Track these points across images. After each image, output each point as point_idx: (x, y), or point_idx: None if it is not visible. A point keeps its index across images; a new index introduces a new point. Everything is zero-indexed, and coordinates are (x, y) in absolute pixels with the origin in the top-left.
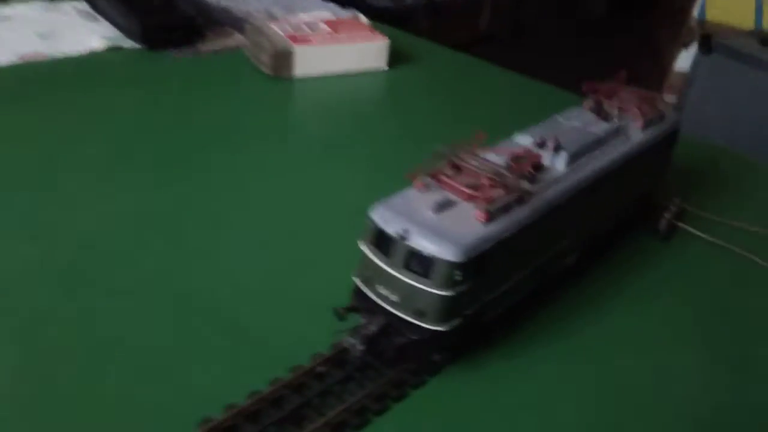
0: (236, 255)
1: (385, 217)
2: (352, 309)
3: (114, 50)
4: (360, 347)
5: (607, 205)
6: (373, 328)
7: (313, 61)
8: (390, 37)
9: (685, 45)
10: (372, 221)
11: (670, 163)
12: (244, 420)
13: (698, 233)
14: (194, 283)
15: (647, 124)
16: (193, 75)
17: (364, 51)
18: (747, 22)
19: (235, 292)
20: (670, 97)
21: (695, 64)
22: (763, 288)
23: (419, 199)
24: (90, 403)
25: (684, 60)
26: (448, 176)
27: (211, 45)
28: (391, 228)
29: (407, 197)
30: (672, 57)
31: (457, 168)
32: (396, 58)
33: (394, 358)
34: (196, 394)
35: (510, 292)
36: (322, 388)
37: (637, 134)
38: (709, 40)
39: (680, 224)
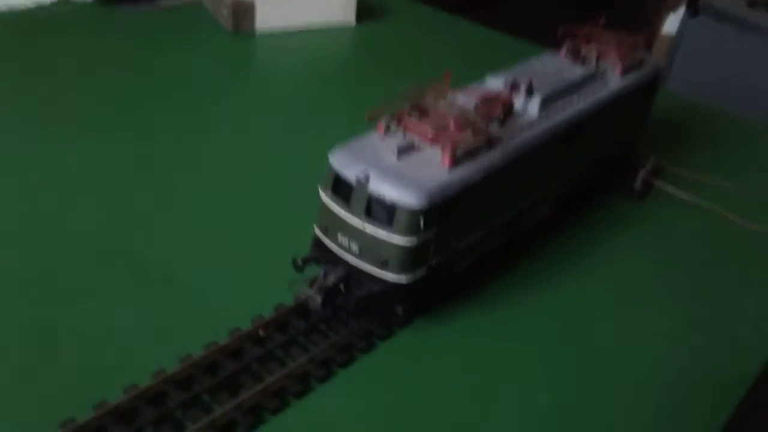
0: (191, 213)
1: (344, 162)
2: (311, 259)
3: (62, 3)
4: (318, 299)
5: (583, 154)
6: (332, 279)
7: (276, 14)
8: None
9: (673, 8)
10: (331, 166)
11: (650, 111)
12: (202, 372)
13: (673, 191)
14: (143, 243)
15: (626, 70)
16: (147, 31)
17: (331, 3)
18: None
19: (191, 250)
20: (658, 60)
21: (682, 26)
22: (734, 246)
23: (381, 143)
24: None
25: (671, 23)
26: (412, 119)
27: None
28: (351, 173)
29: (368, 141)
30: (660, 20)
31: (423, 110)
32: (366, 12)
33: (354, 310)
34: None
35: (479, 242)
36: (285, 340)
37: (615, 80)
38: (696, 2)
39: (656, 182)
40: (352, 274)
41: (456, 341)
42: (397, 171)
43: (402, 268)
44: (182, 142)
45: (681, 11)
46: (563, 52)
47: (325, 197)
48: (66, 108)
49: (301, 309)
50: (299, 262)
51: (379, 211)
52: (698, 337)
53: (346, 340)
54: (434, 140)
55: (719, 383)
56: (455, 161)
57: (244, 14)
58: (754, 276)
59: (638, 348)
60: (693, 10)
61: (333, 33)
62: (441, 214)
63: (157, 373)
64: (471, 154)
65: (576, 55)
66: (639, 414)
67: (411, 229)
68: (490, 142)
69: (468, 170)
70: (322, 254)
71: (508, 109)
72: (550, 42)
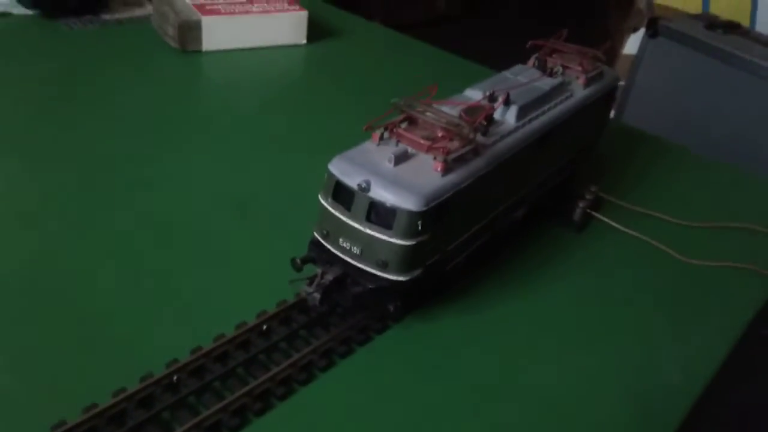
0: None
1: (344, 170)
2: (308, 260)
3: (3, 15)
4: (316, 296)
5: (552, 160)
6: (329, 277)
7: (223, 33)
8: (312, 10)
9: (635, 28)
10: (331, 174)
11: (607, 120)
12: (212, 362)
13: (612, 224)
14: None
15: (589, 81)
16: (90, 47)
17: (280, 23)
18: (694, 5)
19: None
20: (615, 71)
21: (642, 47)
22: (669, 282)
23: (376, 151)
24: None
25: (633, 44)
26: (404, 128)
27: (116, 15)
28: (352, 180)
29: (365, 150)
30: (621, 40)
31: (412, 120)
32: (317, 31)
33: (350, 307)
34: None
35: (465, 243)
36: (288, 332)
37: (579, 90)
38: (656, 23)
39: (595, 214)
40: (349, 273)
41: (442, 336)
42: (396, 177)
43: (401, 269)
44: (128, 161)
45: (641, 32)
46: (531, 63)
47: (325, 203)
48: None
49: (302, 305)
50: (298, 262)
51: (379, 215)
52: (628, 378)
53: (345, 333)
54: (429, 149)
55: (648, 426)
56: (447, 167)
57: (190, 33)
58: (685, 313)
59: (565, 389)
60: (653, 31)
61: (283, 52)
62: (436, 216)
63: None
64: (460, 160)
65: (543, 67)
66: None
67: (410, 232)
68: (476, 150)
69: (458, 175)
70: (319, 255)
71: (490, 118)
72: (502, 60)
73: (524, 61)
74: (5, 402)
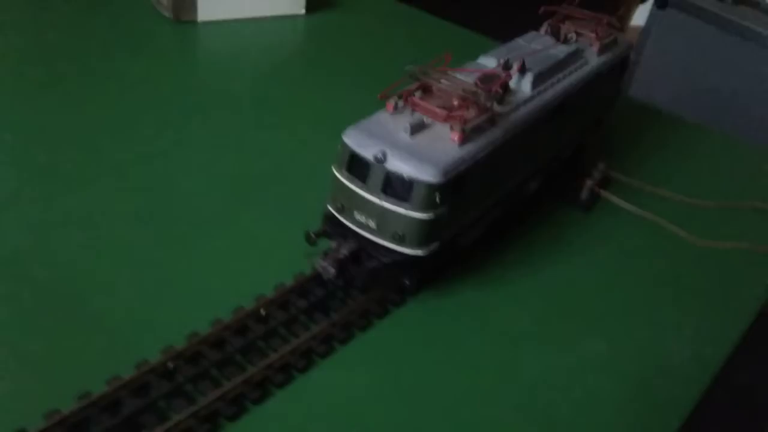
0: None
1: (359, 141)
2: (323, 233)
3: None
4: (332, 270)
5: (567, 129)
6: (344, 251)
7: (219, 2)
8: None
9: (642, 0)
10: (346, 146)
11: (620, 89)
12: (232, 333)
13: (620, 203)
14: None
15: (603, 48)
16: (80, 17)
17: None
18: None
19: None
20: (629, 39)
21: (650, 18)
22: (678, 263)
23: (392, 121)
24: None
25: (641, 15)
26: (419, 97)
27: None
28: (367, 152)
29: (380, 120)
30: (630, 11)
31: (427, 89)
32: (317, 2)
33: (366, 282)
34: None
35: (482, 216)
36: (307, 305)
37: (593, 57)
38: None
39: (603, 193)
40: (364, 247)
41: (461, 310)
42: (413, 148)
43: (418, 243)
44: (119, 138)
45: (650, 3)
46: (543, 30)
47: (340, 176)
48: None
49: (320, 278)
50: (312, 235)
51: (396, 187)
52: (635, 363)
53: (363, 307)
54: (446, 118)
55: (656, 411)
56: (465, 138)
57: (184, 2)
58: (694, 297)
59: (571, 376)
60: (661, 1)
61: (281, 23)
62: (454, 188)
63: (165, 350)
64: (477, 130)
65: (557, 34)
66: None
67: (428, 204)
68: (493, 119)
69: (476, 146)
70: (333, 229)
71: (506, 87)
72: (505, 32)
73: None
74: None
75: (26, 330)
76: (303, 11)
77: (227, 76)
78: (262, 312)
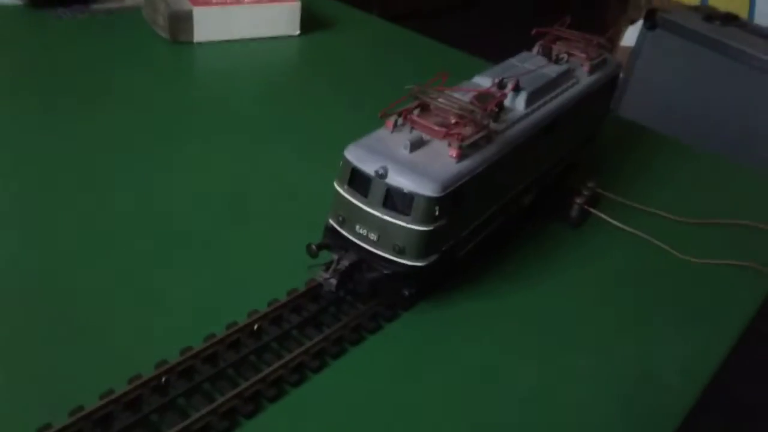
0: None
1: (360, 157)
2: (324, 246)
3: None
4: (333, 282)
5: (559, 146)
6: (345, 263)
7: (215, 24)
8: (306, 1)
9: (633, 20)
10: (348, 161)
11: (609, 108)
12: (224, 348)
13: (610, 220)
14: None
15: (593, 68)
16: (81, 37)
17: (273, 14)
18: None
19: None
20: (618, 59)
21: (640, 39)
22: (666, 280)
23: (391, 138)
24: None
25: (631, 36)
26: (417, 115)
27: (106, 4)
28: (369, 167)
29: (380, 137)
30: (619, 32)
31: (426, 107)
32: (312, 23)
33: (366, 292)
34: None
35: (478, 228)
36: (300, 320)
37: (584, 77)
38: (654, 15)
39: (593, 210)
40: (365, 259)
41: (453, 322)
42: (412, 164)
43: (418, 254)
44: (116, 155)
45: (639, 24)
46: (536, 51)
47: (341, 190)
48: None
49: (314, 292)
50: (314, 248)
51: (397, 201)
52: (623, 377)
53: (356, 322)
54: (445, 135)
55: (644, 426)
56: (462, 154)
57: (181, 24)
58: (683, 312)
59: (558, 391)
60: (651, 23)
61: (276, 43)
62: (452, 202)
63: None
64: (474, 146)
65: (548, 54)
66: None
67: (427, 217)
68: (489, 136)
69: (473, 162)
70: (334, 241)
71: (501, 105)
72: (496, 52)
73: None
74: None
75: (18, 344)
76: (298, 32)
77: (223, 95)
78: (255, 327)
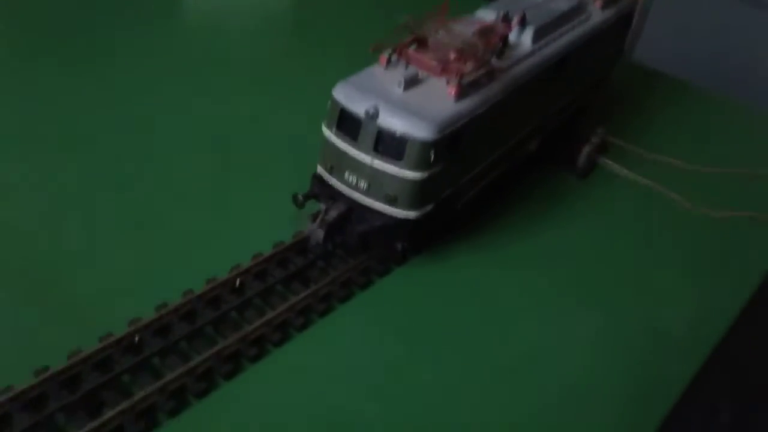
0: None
1: (350, 96)
2: (311, 196)
3: None
4: (320, 233)
5: (567, 88)
6: (333, 214)
7: None
8: None
9: None
10: (336, 101)
11: (623, 47)
12: (203, 306)
13: (619, 170)
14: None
15: (606, 3)
16: None
17: None
18: None
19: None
20: None
21: None
22: (677, 232)
23: (385, 76)
24: None
25: None
26: (413, 50)
27: None
28: (358, 107)
29: (372, 74)
30: None
31: (422, 42)
32: None
33: (356, 246)
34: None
35: (479, 177)
36: (285, 275)
37: (596, 13)
38: None
39: (601, 159)
40: (354, 209)
41: (451, 279)
42: (406, 103)
43: (411, 204)
44: (102, 101)
45: None
46: None
47: (329, 134)
48: None
49: (301, 245)
50: (300, 198)
51: (388, 145)
52: (632, 335)
53: (345, 276)
54: (441, 72)
55: (653, 384)
56: (461, 92)
57: None
58: (694, 265)
59: (564, 350)
60: None
61: None
62: (450, 146)
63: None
64: (474, 85)
65: None
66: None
67: (422, 163)
68: (491, 74)
69: (473, 101)
70: (322, 190)
71: (505, 41)
72: None
73: None
74: None
75: None
76: None
77: (212, 38)
78: (237, 282)
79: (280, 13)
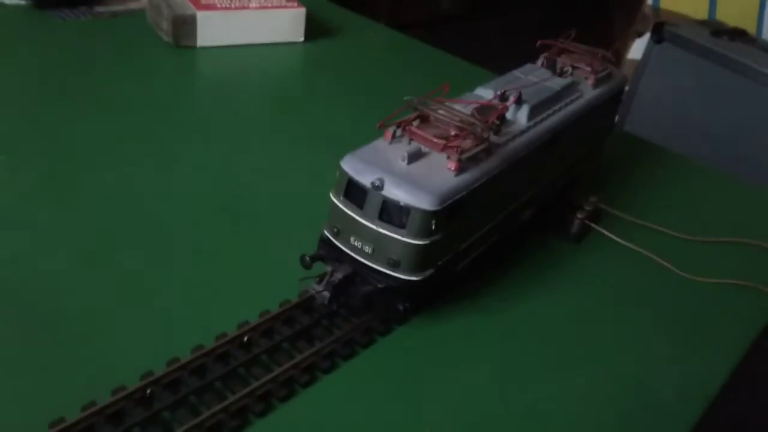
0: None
1: (357, 168)
2: (318, 258)
3: None
4: (326, 294)
5: (561, 161)
6: (339, 275)
7: (219, 29)
8: (312, 8)
9: (639, 33)
10: (344, 172)
11: (614, 122)
12: (212, 361)
13: (611, 236)
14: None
15: (598, 82)
16: (82, 39)
17: (277, 20)
18: (701, 11)
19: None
20: (623, 72)
21: (647, 52)
22: (667, 298)
23: (389, 149)
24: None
25: (637, 49)
26: (416, 127)
27: (110, 7)
28: (365, 178)
29: (378, 148)
30: (626, 45)
31: (425, 118)
32: (317, 30)
33: (360, 306)
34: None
35: (476, 243)
36: (291, 333)
37: (589, 91)
38: (661, 29)
39: (594, 226)
40: (359, 272)
41: (450, 338)
42: (409, 176)
43: (413, 268)
44: (116, 159)
45: (646, 37)
46: (540, 63)
47: (337, 201)
48: None
49: (306, 305)
50: (308, 259)
51: (393, 214)
52: (624, 399)
53: (349, 336)
54: (444, 147)
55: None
56: (461, 167)
57: (184, 28)
58: (684, 331)
59: (557, 410)
60: (658, 36)
61: (279, 49)
62: (450, 216)
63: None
64: (473, 159)
65: (553, 67)
66: None
67: (423, 231)
68: (489, 149)
69: (472, 175)
70: (328, 253)
71: (502, 118)
72: (500, 63)
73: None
74: None
75: (6, 353)
76: (302, 38)
77: (225, 100)
78: (245, 339)
79: (292, 82)
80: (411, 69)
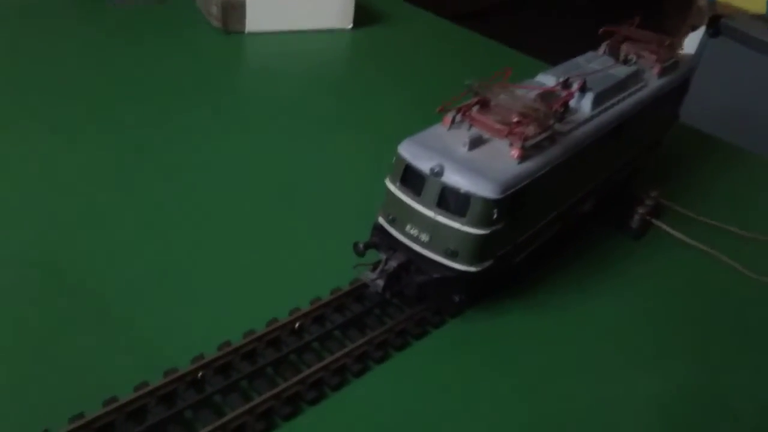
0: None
1: (415, 153)
2: (371, 245)
3: None
4: (380, 283)
5: (624, 151)
6: (393, 264)
7: (268, 15)
8: None
9: (694, 27)
10: (401, 157)
11: (679, 112)
12: (264, 346)
13: (673, 232)
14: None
15: (664, 70)
16: (133, 24)
17: (326, 6)
18: (758, 5)
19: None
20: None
21: (702, 46)
22: (734, 300)
23: (448, 135)
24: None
25: (691, 43)
26: (477, 112)
27: None
28: (424, 164)
29: (436, 133)
30: (680, 38)
31: (485, 104)
32: (365, 17)
33: (413, 296)
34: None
35: (536, 235)
36: (343, 321)
37: (654, 80)
38: (718, 22)
39: (655, 221)
40: (414, 260)
41: (505, 335)
42: (470, 162)
43: (472, 259)
44: (166, 145)
45: (701, 31)
46: (602, 51)
47: (393, 187)
48: (39, 101)
49: (359, 292)
50: (361, 246)
51: (452, 201)
52: (690, 403)
53: (401, 326)
54: (506, 134)
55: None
56: (524, 154)
57: (234, 13)
58: (751, 334)
59: (617, 411)
60: (714, 30)
61: (327, 36)
62: (512, 205)
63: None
64: (536, 147)
65: (616, 54)
66: None
67: (484, 220)
68: (553, 137)
69: (535, 163)
70: (382, 240)
71: (566, 106)
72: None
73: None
74: (23, 391)
75: (55, 335)
76: (350, 25)
77: (274, 86)
78: (296, 325)
79: (341, 68)
80: (460, 57)
